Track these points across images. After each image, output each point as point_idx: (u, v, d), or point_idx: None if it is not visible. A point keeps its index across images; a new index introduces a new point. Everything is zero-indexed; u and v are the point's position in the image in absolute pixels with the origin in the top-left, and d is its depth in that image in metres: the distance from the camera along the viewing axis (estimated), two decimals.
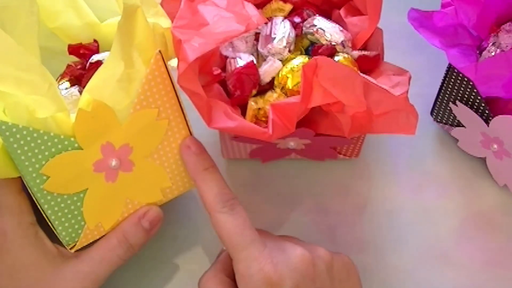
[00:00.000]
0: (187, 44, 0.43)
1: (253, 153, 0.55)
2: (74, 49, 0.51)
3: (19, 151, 0.41)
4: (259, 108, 0.49)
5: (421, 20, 0.53)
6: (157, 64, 0.44)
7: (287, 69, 0.49)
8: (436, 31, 0.52)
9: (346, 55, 0.50)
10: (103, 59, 0.48)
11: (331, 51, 0.50)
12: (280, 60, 0.50)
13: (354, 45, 0.53)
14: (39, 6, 0.47)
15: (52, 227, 0.45)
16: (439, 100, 0.56)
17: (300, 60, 0.49)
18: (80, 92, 0.47)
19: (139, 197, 0.47)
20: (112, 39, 0.42)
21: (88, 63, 0.49)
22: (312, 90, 0.44)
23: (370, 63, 0.51)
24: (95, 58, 0.49)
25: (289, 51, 0.50)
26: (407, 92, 0.47)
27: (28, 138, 0.41)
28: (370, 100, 0.44)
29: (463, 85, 0.52)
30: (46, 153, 0.42)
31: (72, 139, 0.42)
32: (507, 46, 0.51)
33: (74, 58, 0.52)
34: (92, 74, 0.42)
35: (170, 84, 0.45)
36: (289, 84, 0.48)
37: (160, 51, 0.44)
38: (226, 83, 0.50)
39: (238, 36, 0.47)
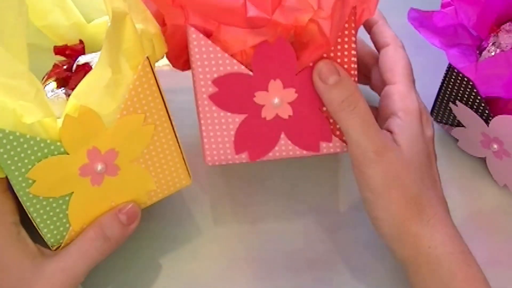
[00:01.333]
0: None
1: (238, 140, 0.49)
2: (60, 50, 0.51)
3: (5, 156, 0.41)
4: None
5: (421, 20, 0.53)
6: (145, 70, 0.44)
7: None
8: (436, 31, 0.52)
9: None
10: (91, 61, 0.48)
11: None
12: None
13: None
14: (27, 4, 0.47)
15: (37, 228, 0.45)
16: (439, 100, 0.56)
17: None
18: (66, 94, 0.47)
19: (124, 200, 0.48)
20: (98, 40, 0.43)
21: (75, 65, 0.49)
22: None
23: None
24: (82, 60, 0.49)
25: None
26: None
27: (15, 143, 0.41)
28: None
29: (463, 85, 0.52)
30: (32, 158, 0.42)
31: (58, 143, 0.42)
32: (507, 46, 0.51)
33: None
34: (80, 76, 0.43)
35: (157, 90, 0.45)
36: None
37: (148, 58, 0.44)
38: None
39: None
